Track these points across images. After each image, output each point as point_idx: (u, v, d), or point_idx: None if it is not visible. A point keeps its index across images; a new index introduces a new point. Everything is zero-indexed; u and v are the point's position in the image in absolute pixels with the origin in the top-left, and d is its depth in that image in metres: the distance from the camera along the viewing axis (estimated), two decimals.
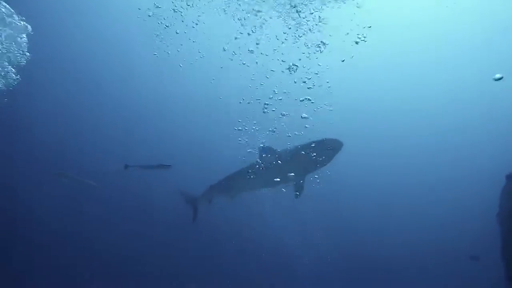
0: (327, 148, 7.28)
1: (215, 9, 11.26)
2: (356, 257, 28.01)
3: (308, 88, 9.38)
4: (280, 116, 9.56)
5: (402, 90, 31.10)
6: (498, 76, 9.41)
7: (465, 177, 30.65)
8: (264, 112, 9.44)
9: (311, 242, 29.26)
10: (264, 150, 8.46)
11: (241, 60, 11.57)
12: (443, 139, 32.65)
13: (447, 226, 27.70)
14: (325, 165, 7.58)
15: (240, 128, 10.13)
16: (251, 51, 10.22)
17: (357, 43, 9.38)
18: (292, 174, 7.87)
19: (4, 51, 10.87)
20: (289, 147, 8.02)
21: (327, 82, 9.92)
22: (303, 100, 8.66)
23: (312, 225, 29.96)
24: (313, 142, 7.44)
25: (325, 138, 7.36)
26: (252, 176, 8.40)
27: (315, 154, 7.35)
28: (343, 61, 10.60)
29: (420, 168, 33.01)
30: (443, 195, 30.69)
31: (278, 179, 8.14)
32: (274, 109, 9.49)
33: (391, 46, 27.57)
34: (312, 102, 8.87)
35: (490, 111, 29.83)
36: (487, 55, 26.12)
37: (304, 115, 10.69)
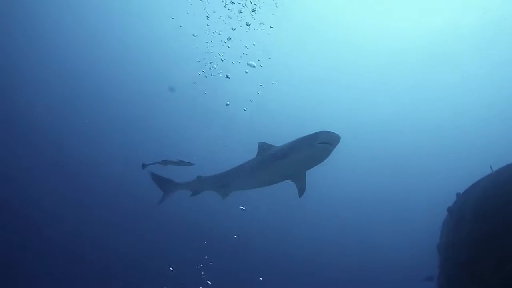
0: (324, 142, 6.82)
1: None
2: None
3: None
4: None
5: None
6: None
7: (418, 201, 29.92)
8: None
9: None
10: (261, 146, 8.03)
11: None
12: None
13: (404, 247, 27.00)
14: (322, 160, 7.18)
15: None
16: None
17: None
18: (291, 171, 7.48)
19: None
20: (285, 143, 7.63)
21: None
22: None
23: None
24: (309, 136, 7.06)
25: (320, 132, 6.91)
26: (249, 175, 7.96)
27: (312, 149, 6.93)
28: None
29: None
30: (399, 217, 30.12)
31: (277, 177, 7.74)
32: None
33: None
34: None
35: None
36: None
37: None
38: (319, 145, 6.80)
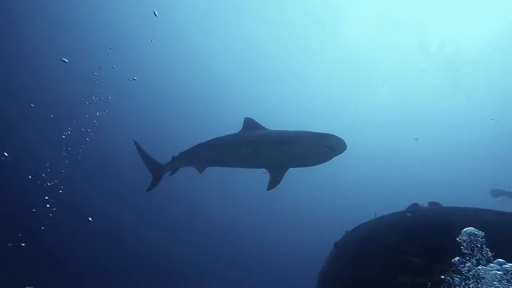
0: (327, 146, 6.04)
1: None
2: None
3: None
4: None
5: None
6: None
7: None
8: None
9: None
10: (248, 122, 7.21)
11: None
12: None
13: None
14: (317, 164, 6.40)
15: None
16: None
17: None
18: (279, 160, 6.54)
19: None
20: (281, 130, 6.82)
21: None
22: None
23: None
24: (316, 133, 6.24)
25: (329, 134, 6.15)
26: (229, 149, 7.03)
27: (314, 148, 6.11)
28: None
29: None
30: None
31: (261, 161, 6.75)
32: None
33: None
34: None
35: None
36: None
37: None
38: (324, 147, 6.07)
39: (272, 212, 32.02)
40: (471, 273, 4.66)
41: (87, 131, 14.97)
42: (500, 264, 4.74)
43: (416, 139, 29.30)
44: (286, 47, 30.04)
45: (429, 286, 4.46)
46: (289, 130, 6.64)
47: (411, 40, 26.94)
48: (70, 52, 25.02)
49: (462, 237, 5.04)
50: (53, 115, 23.46)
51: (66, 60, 24.76)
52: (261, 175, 6.84)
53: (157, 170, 8.16)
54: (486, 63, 25.74)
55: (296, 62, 30.92)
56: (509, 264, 4.70)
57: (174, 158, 7.85)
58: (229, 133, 7.38)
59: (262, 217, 32.54)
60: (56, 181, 13.53)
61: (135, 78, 26.02)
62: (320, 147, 6.05)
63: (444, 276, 4.53)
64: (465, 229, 5.24)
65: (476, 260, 4.76)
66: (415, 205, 7.16)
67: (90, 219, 24.91)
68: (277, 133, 6.73)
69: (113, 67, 20.09)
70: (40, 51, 24.97)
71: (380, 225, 6.12)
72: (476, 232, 5.13)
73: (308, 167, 6.59)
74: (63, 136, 15.74)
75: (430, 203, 7.21)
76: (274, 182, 6.72)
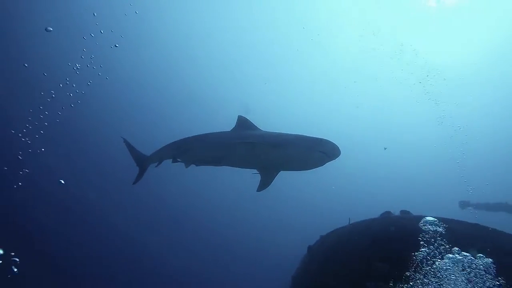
0: (321, 151, 6.07)
1: None
2: None
3: None
4: None
5: None
6: None
7: None
8: None
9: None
10: (241, 121, 7.09)
11: None
12: None
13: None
14: (310, 169, 6.37)
15: None
16: None
17: None
18: (272, 163, 6.50)
19: None
20: (275, 132, 6.78)
21: None
22: None
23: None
24: (312, 138, 6.26)
25: (324, 139, 6.17)
26: (220, 147, 6.87)
27: (309, 153, 6.10)
28: None
29: None
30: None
31: (253, 162, 6.66)
32: None
33: None
34: None
35: None
36: None
37: None
38: (319, 153, 6.09)
39: (257, 213, 32.28)
40: (432, 269, 4.95)
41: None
42: (456, 253, 5.10)
43: (385, 148, 30.20)
44: (277, 49, 30.84)
45: None
46: (283, 132, 6.62)
47: (389, 48, 28.22)
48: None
49: (423, 227, 5.38)
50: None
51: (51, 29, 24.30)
52: (251, 175, 6.81)
53: (142, 162, 8.05)
54: (455, 74, 27.01)
55: (285, 64, 31.65)
56: (464, 253, 5.07)
57: (161, 149, 7.73)
58: (217, 130, 7.27)
59: (247, 217, 32.84)
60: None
61: (117, 45, 25.58)
62: (314, 152, 6.07)
63: (407, 281, 4.78)
64: (426, 218, 5.60)
65: (438, 251, 5.10)
66: (387, 213, 7.45)
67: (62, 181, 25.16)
68: (271, 135, 6.65)
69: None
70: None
71: (352, 231, 6.35)
72: (437, 222, 5.52)
73: (300, 171, 6.60)
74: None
75: (402, 212, 7.52)
76: (265, 184, 6.70)
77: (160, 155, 7.75)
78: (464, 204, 15.10)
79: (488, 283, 4.76)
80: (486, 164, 30.45)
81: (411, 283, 4.87)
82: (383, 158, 33.21)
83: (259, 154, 6.36)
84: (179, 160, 7.34)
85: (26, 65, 25.02)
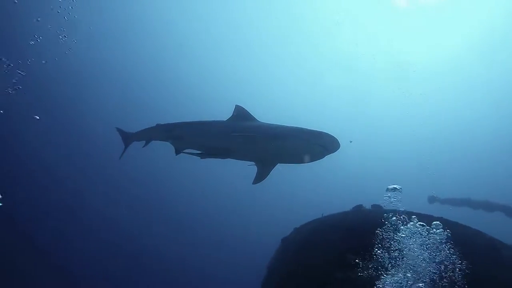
0: (320, 144, 6.02)
1: None
2: None
3: None
4: None
5: None
6: None
7: None
8: None
9: None
10: (239, 111, 6.88)
11: None
12: None
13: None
14: (308, 162, 6.29)
15: None
16: None
17: None
18: (269, 155, 6.38)
19: None
20: (273, 124, 6.64)
21: None
22: None
23: None
24: (311, 131, 6.19)
25: (324, 132, 6.12)
26: (217, 136, 6.71)
27: (308, 146, 6.04)
28: None
29: None
30: None
31: (249, 153, 6.51)
32: None
33: None
34: None
35: None
36: None
37: None
38: (318, 146, 6.06)
39: (242, 204, 32.43)
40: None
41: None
42: (414, 221, 5.55)
43: (351, 141, 30.99)
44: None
45: (360, 280, 4.94)
46: (281, 124, 6.48)
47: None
48: None
49: (391, 219, 5.70)
50: None
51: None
52: (247, 167, 6.64)
53: (125, 139, 8.14)
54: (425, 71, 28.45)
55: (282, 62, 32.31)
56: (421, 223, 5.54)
57: (149, 129, 7.63)
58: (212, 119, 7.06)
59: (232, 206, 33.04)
60: None
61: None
62: (314, 145, 6.03)
63: (374, 271, 5.05)
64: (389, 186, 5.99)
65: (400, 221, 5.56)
66: (359, 206, 7.73)
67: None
68: (270, 126, 6.49)
69: None
70: None
71: (324, 223, 6.58)
72: (397, 187, 5.92)
73: (297, 164, 6.51)
74: None
75: (373, 206, 7.83)
76: (261, 176, 6.58)
77: (148, 135, 7.63)
78: (432, 199, 15.78)
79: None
80: (453, 159, 31.64)
81: (377, 271, 5.14)
82: (355, 152, 34.14)
83: (258, 146, 6.26)
84: (170, 143, 7.15)
85: None
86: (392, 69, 27.57)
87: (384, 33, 28.07)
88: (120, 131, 8.30)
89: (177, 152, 7.01)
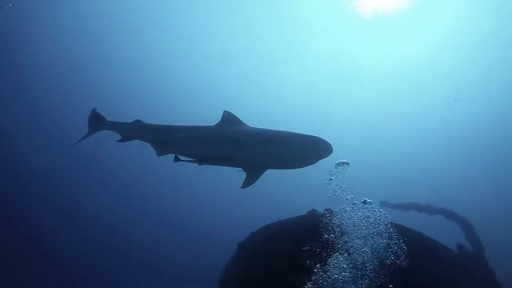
0: (313, 149, 5.99)
1: None
2: None
3: None
4: None
5: None
6: None
7: None
8: None
9: None
10: (227, 116, 6.72)
11: None
12: None
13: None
14: (300, 167, 6.27)
15: None
16: None
17: None
18: (260, 160, 6.26)
19: None
20: (264, 129, 6.49)
21: None
22: None
23: None
24: (304, 136, 6.12)
25: (317, 137, 6.07)
26: (204, 142, 6.57)
27: (301, 151, 6.00)
28: None
29: None
30: None
31: (238, 159, 6.35)
32: None
33: None
34: None
35: None
36: None
37: None
38: (311, 151, 6.03)
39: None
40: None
41: None
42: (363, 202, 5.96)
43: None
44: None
45: (311, 283, 5.16)
46: (272, 129, 6.40)
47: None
48: None
49: (335, 168, 6.17)
50: None
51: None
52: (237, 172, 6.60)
53: (95, 122, 7.47)
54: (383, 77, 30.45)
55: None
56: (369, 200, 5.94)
57: (129, 124, 7.20)
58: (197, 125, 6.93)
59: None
60: None
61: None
62: (307, 150, 6.00)
63: (324, 274, 5.28)
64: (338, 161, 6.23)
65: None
66: (313, 211, 8.04)
67: None
68: (261, 132, 6.37)
69: None
70: None
71: (278, 228, 6.77)
72: (344, 161, 6.22)
73: (288, 169, 6.47)
74: None
75: (325, 210, 8.18)
76: (250, 181, 6.48)
77: (127, 131, 7.23)
78: (383, 204, 16.58)
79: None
80: (403, 164, 33.31)
81: (327, 274, 5.39)
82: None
83: (248, 152, 6.15)
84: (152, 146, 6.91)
85: None
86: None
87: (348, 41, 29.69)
88: (95, 113, 7.58)
89: (176, 159, 6.66)
